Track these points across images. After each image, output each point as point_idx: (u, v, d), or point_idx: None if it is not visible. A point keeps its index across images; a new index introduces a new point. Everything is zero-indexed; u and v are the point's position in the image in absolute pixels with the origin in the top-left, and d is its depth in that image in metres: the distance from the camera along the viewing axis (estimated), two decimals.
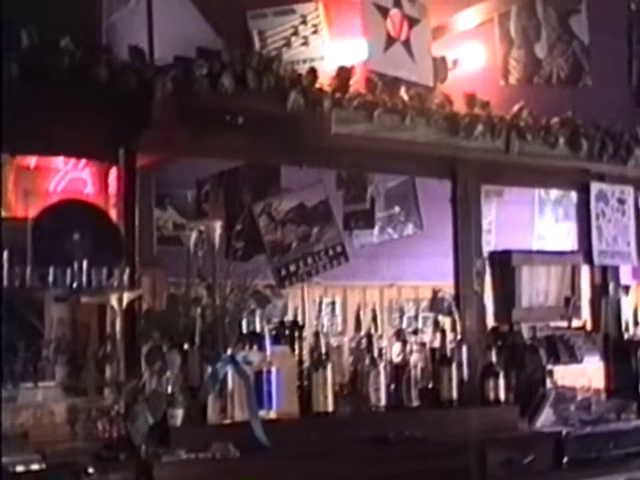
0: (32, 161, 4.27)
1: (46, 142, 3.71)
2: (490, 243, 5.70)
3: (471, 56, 5.24)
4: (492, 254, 5.09)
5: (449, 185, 4.78)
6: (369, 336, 4.31)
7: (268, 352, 3.92)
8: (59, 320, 3.70)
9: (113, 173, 4.19)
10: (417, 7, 4.87)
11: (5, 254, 3.45)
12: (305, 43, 4.74)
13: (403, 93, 4.52)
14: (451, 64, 5.02)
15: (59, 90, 3.61)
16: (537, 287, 5.04)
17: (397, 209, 6.22)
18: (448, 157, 4.69)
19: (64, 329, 3.70)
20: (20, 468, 3.17)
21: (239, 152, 4.29)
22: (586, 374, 4.98)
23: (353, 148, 4.38)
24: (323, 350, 4.11)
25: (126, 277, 3.68)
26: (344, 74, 4.31)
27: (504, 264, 5.00)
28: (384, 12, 4.74)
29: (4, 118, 3.40)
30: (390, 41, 4.74)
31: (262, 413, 3.81)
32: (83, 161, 4.26)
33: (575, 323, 5.19)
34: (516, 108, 4.83)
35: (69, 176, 4.37)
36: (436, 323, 4.58)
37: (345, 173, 5.79)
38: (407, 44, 4.79)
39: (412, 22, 4.83)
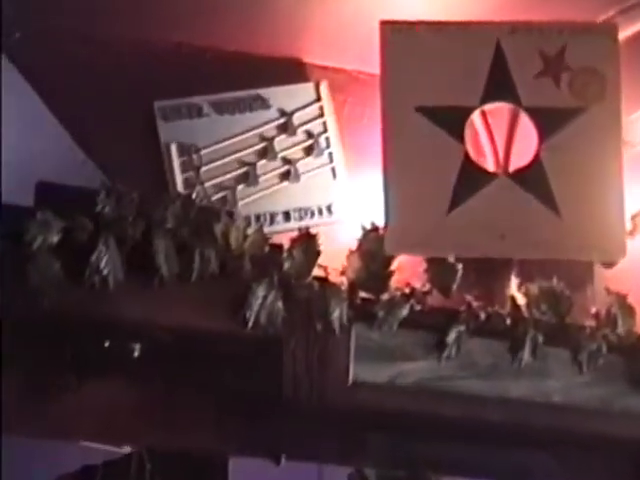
0: None
1: None
2: None
3: None
4: None
5: None
6: None
7: None
8: None
9: None
10: (573, 84, 4.80)
11: None
12: (288, 174, 5.03)
13: (514, 289, 4.79)
14: (631, 220, 5.06)
15: None
16: None
17: None
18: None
19: None
20: None
21: (132, 429, 4.36)
22: None
23: (395, 413, 4.52)
24: None
25: None
26: (375, 248, 4.44)
27: None
28: (454, 122, 4.65)
29: None
30: (479, 179, 4.65)
31: None
32: None
33: None
34: None
35: None
36: None
37: (376, 473, 5.84)
38: (529, 177, 4.70)
39: (554, 121, 4.75)
